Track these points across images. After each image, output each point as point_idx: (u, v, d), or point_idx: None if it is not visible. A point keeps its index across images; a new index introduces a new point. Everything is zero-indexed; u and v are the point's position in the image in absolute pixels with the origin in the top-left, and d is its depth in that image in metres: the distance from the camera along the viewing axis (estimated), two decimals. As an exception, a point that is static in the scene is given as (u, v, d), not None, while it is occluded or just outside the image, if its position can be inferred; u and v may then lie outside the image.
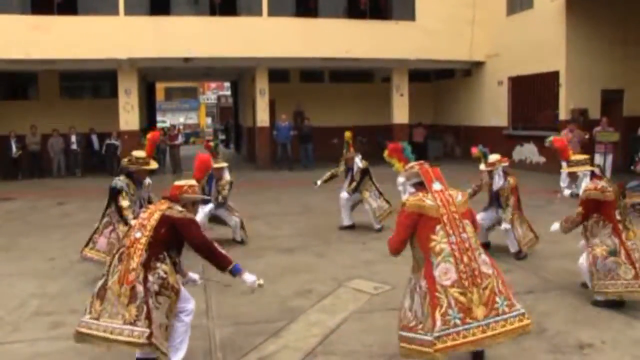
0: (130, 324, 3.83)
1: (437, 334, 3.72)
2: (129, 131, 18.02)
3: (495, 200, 7.39)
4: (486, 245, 7.23)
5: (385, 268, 7.09)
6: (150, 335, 3.82)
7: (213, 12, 18.34)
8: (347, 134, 9.30)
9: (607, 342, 4.71)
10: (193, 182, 4.43)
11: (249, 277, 4.26)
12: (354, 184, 9.06)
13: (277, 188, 14.68)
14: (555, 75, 16.21)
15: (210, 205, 8.04)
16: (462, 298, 3.78)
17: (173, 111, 52.76)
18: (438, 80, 23.94)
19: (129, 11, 17.23)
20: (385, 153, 4.75)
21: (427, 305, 3.83)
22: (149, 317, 3.85)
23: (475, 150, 7.51)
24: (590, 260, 5.42)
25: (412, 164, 4.40)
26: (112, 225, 6.51)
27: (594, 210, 5.42)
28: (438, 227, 3.90)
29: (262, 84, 19.26)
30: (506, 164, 7.36)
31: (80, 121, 19.37)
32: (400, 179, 4.38)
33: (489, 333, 3.79)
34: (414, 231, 3.98)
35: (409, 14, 19.31)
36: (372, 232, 9.05)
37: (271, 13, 18.14)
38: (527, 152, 17.66)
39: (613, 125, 13.75)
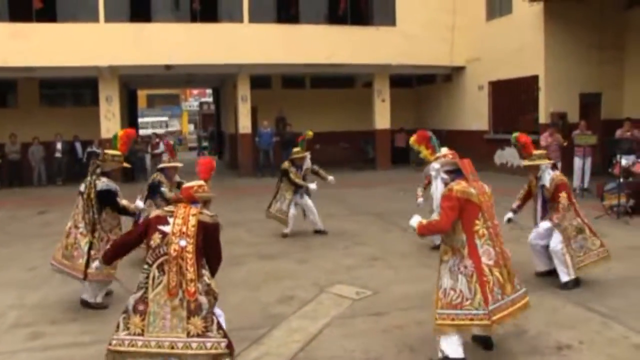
0: (199, 335, 3.79)
1: (491, 307, 4.20)
2: (111, 139, 17.89)
3: None
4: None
5: (367, 273, 7.14)
6: (230, 344, 3.84)
7: (194, 19, 18.32)
8: (309, 133, 9.30)
9: (585, 342, 4.79)
10: (201, 182, 4.34)
11: None
12: (298, 181, 9.19)
13: (259, 195, 14.56)
14: (534, 79, 16.42)
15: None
16: (500, 276, 4.31)
17: (155, 118, 52.48)
18: (419, 85, 24.10)
19: (109, 18, 17.14)
20: (413, 139, 5.04)
21: (474, 283, 4.23)
22: (220, 326, 3.87)
23: None
24: (565, 243, 6.13)
25: (444, 152, 4.76)
26: (107, 237, 5.97)
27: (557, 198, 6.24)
28: (479, 213, 4.34)
29: (244, 91, 19.26)
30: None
31: (61, 129, 19.20)
32: (436, 165, 4.74)
33: (515, 306, 4.39)
34: (459, 216, 4.31)
35: (390, 20, 19.45)
36: (354, 237, 9.09)
37: (252, 19, 18.17)
38: (508, 155, 17.79)
39: (591, 129, 13.93)
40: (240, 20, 18.12)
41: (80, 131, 19.35)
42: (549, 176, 6.19)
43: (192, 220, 3.95)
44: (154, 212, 4.23)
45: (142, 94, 39.72)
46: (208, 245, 4.05)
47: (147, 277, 3.89)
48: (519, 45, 16.71)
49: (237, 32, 17.82)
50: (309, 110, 21.89)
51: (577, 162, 12.93)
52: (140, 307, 3.84)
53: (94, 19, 17.03)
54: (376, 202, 10.68)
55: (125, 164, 6.39)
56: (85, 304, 6.02)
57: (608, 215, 10.22)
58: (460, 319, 4.21)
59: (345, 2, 19.08)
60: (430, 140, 4.99)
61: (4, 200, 14.93)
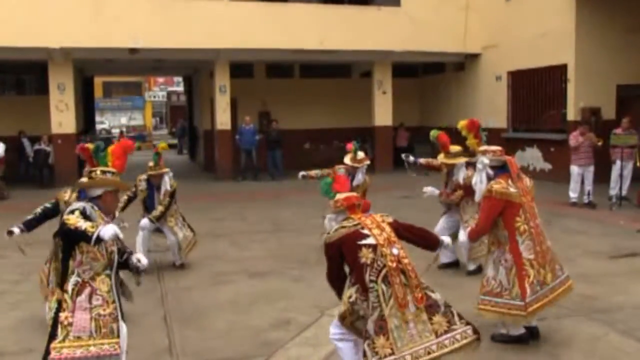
0: (446, 332, 4.19)
1: (528, 300, 5.16)
2: (64, 134, 17.80)
3: None
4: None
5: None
6: (475, 329, 4.27)
7: (164, -5, 18.29)
8: (163, 145, 9.07)
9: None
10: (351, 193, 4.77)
11: None
12: (160, 209, 8.36)
13: (242, 202, 14.68)
14: (562, 69, 16.56)
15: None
16: (541, 270, 5.29)
17: (113, 110, 52.43)
18: (426, 75, 24.30)
19: (63, -8, 17.06)
20: (463, 124, 5.93)
21: (513, 276, 5.26)
22: (460, 315, 4.30)
23: (351, 146, 9.29)
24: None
25: (494, 149, 5.57)
26: (90, 287, 4.26)
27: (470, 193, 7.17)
28: (521, 211, 5.33)
29: (222, 80, 19.26)
30: (368, 162, 9.33)
31: (1, 123, 19.08)
32: (485, 160, 5.45)
33: (555, 293, 5.38)
34: (500, 213, 5.31)
35: (394, -1, 19.60)
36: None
37: (233, -4, 18.22)
38: (530, 157, 17.95)
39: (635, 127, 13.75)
40: (220, -2, 18.15)
41: (26, 125, 19.22)
42: (463, 174, 7.44)
43: (386, 226, 4.37)
44: (336, 233, 4.37)
45: (97, 82, 39.62)
46: (411, 234, 4.51)
47: (377, 295, 4.16)
48: (545, 30, 16.85)
49: (216, 12, 17.80)
50: (297, 103, 21.99)
51: (615, 166, 12.79)
52: (381, 327, 4.11)
53: (45, -8, 16.93)
54: (377, 210, 10.66)
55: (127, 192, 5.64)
56: None
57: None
58: (500, 306, 5.26)
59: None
60: (480, 131, 5.88)
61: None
